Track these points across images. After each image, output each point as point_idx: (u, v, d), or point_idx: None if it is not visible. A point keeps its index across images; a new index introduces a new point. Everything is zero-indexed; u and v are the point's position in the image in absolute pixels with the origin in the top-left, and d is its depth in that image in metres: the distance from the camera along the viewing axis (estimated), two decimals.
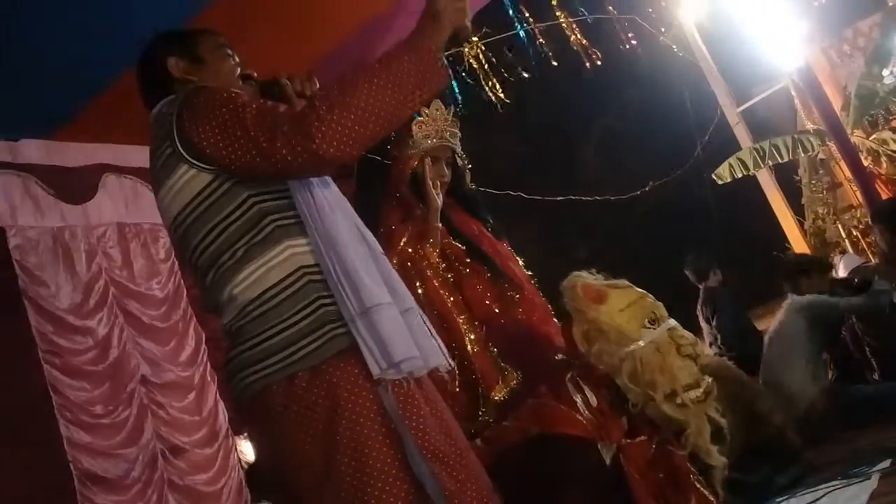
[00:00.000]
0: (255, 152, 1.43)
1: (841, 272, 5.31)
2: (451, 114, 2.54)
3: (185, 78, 1.66)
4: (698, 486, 2.10)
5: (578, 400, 2.12)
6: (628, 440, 2.09)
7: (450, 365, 1.58)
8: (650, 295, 2.15)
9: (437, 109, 2.51)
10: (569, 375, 2.20)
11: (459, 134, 2.56)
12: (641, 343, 2.04)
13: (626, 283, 2.20)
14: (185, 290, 4.49)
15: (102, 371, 3.99)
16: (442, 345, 1.56)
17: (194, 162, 1.48)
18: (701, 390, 2.04)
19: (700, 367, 2.09)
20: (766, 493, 3.41)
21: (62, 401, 3.79)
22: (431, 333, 1.55)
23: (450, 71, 1.48)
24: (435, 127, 2.49)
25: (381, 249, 1.59)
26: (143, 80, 1.72)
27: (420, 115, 2.49)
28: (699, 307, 5.36)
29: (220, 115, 1.45)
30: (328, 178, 1.56)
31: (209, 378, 4.43)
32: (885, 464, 3.12)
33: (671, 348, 2.04)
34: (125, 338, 4.17)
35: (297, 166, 1.42)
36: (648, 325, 2.06)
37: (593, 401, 2.12)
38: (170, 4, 3.00)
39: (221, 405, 4.39)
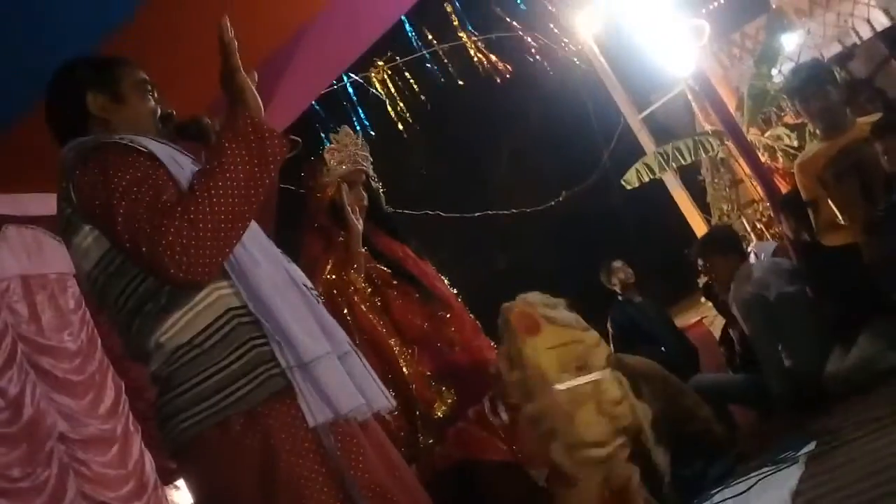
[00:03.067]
0: (122, 248, 1.41)
1: (760, 257, 5.50)
2: (360, 138, 2.55)
3: (102, 116, 1.59)
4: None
5: (502, 415, 2.12)
6: None
7: (392, 405, 1.57)
8: (595, 338, 2.06)
9: (346, 136, 2.53)
10: (489, 394, 2.21)
11: (370, 157, 2.57)
12: (558, 388, 1.95)
13: (573, 318, 2.08)
14: (99, 340, 4.31)
15: (17, 432, 3.79)
16: (382, 385, 1.54)
17: (92, 226, 1.45)
18: (605, 451, 1.93)
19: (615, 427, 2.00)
20: (700, 486, 3.49)
21: None
22: (371, 374, 1.54)
23: (279, 134, 1.46)
24: (347, 153, 2.50)
25: (315, 293, 1.56)
26: (56, 112, 1.63)
27: (331, 143, 2.49)
28: (615, 322, 5.33)
29: (99, 198, 1.41)
30: (253, 224, 1.51)
31: (132, 428, 4.26)
32: (811, 446, 3.24)
33: (588, 401, 1.94)
34: (38, 395, 3.97)
35: (159, 280, 1.41)
36: (574, 371, 1.95)
37: (502, 419, 2.11)
38: (70, 41, 2.84)
39: (148, 456, 4.22)
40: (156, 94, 1.68)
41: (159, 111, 1.67)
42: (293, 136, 1.52)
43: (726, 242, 4.75)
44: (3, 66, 3.03)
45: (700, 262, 4.63)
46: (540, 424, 1.94)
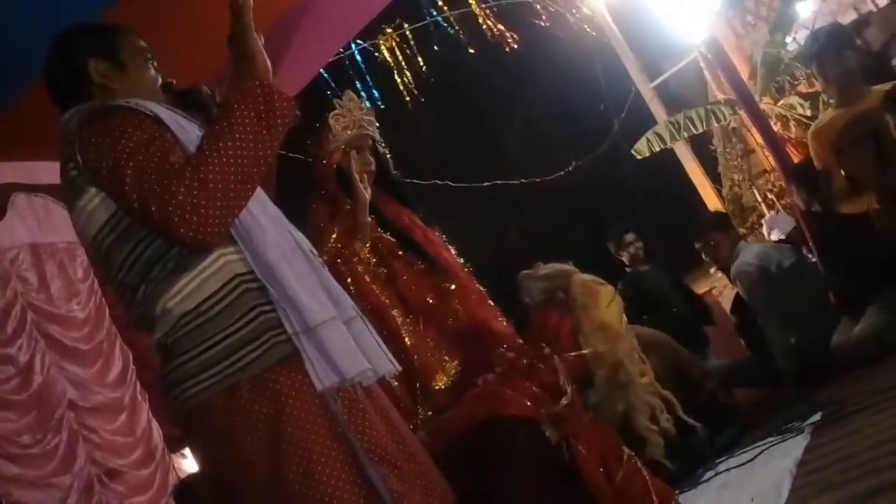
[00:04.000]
0: (130, 210, 1.41)
1: (773, 232, 5.48)
2: (364, 103, 2.52)
3: (104, 84, 1.57)
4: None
5: (530, 385, 2.13)
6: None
7: (397, 370, 1.57)
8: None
9: (350, 100, 2.49)
10: (525, 361, 2.22)
11: (376, 122, 2.54)
12: (624, 336, 2.23)
13: (569, 268, 2.31)
14: (107, 309, 4.34)
15: (27, 399, 3.83)
16: (387, 351, 1.54)
17: (99, 188, 1.44)
18: (648, 376, 2.19)
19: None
20: (705, 455, 3.50)
21: None
22: (377, 340, 1.53)
23: (288, 97, 1.46)
24: (351, 117, 2.47)
25: (320, 260, 1.56)
26: (57, 79, 1.61)
27: (336, 108, 2.46)
28: (624, 295, 5.30)
29: (106, 159, 1.41)
30: (259, 190, 1.50)
31: (140, 397, 4.31)
32: (816, 417, 3.24)
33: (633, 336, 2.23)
34: (48, 363, 4.00)
35: (169, 241, 1.41)
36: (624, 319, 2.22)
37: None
38: (75, 9, 2.81)
39: (155, 424, 4.27)
40: (155, 64, 1.67)
41: (160, 80, 1.66)
42: (295, 108, 1.50)
43: (723, 220, 4.78)
44: (10, 35, 3.02)
45: (698, 244, 4.65)
46: (619, 371, 2.22)
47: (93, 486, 3.90)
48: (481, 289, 2.49)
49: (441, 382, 2.26)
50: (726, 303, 5.56)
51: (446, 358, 2.30)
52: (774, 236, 5.82)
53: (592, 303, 2.17)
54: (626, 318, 2.40)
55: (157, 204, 1.35)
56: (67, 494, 3.76)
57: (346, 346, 1.42)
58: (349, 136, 2.45)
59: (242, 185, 1.39)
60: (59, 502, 3.72)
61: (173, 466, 4.31)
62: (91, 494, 3.86)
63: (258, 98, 1.41)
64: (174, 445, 4.25)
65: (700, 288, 6.36)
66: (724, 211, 5.97)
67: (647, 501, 2.07)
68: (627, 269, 5.39)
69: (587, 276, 2.33)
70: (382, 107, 6.34)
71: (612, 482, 2.04)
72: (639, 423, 2.13)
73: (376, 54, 6.60)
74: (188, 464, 4.32)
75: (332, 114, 2.44)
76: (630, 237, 5.35)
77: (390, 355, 1.55)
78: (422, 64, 6.81)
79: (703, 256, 4.73)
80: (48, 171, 4.03)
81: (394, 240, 2.46)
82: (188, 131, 1.50)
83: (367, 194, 2.42)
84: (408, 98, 6.83)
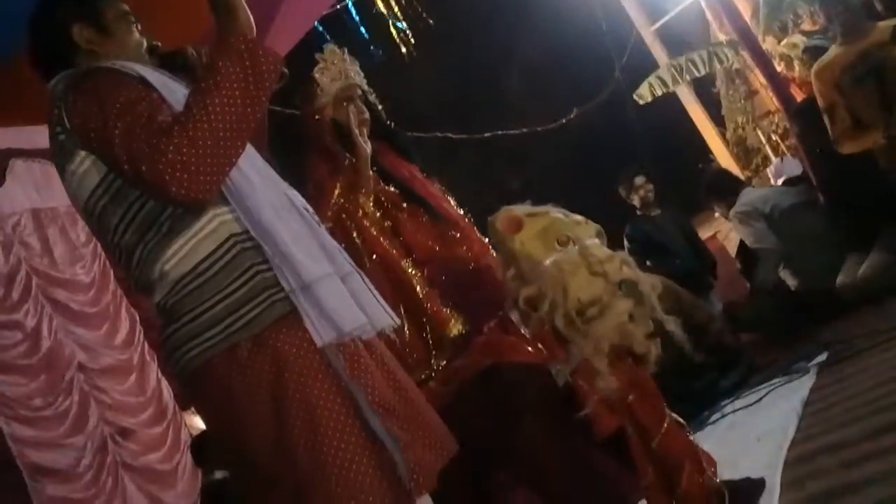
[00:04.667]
0: (120, 171, 1.40)
1: (781, 179, 5.45)
2: (346, 53, 2.49)
3: (89, 49, 1.57)
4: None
5: (516, 322, 2.12)
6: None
7: (396, 323, 1.57)
8: (573, 219, 2.07)
9: (332, 53, 2.47)
10: (507, 301, 2.20)
11: (361, 72, 2.51)
12: (546, 262, 1.94)
13: (547, 208, 2.09)
14: (111, 272, 4.35)
15: (36, 363, 3.87)
16: (385, 304, 1.54)
17: (88, 151, 1.43)
18: (601, 304, 1.91)
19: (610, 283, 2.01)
20: (711, 398, 3.53)
21: None
22: (374, 294, 1.53)
23: (273, 52, 1.43)
24: (336, 69, 2.44)
25: (314, 216, 1.55)
26: (40, 48, 1.60)
27: (319, 63, 2.43)
28: (629, 238, 5.30)
29: (94, 121, 1.39)
30: (249, 148, 1.49)
31: (148, 358, 4.34)
32: (822, 357, 3.25)
33: (579, 268, 1.94)
34: (55, 327, 4.03)
35: (161, 201, 1.41)
36: (557, 247, 1.96)
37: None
38: None
39: (165, 383, 4.31)
40: (139, 27, 1.66)
41: (145, 43, 1.64)
42: (281, 63, 1.48)
43: (720, 185, 4.77)
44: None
45: (709, 200, 4.68)
46: (540, 305, 1.92)
47: (106, 445, 3.95)
48: (483, 238, 2.49)
49: (455, 330, 2.27)
50: (731, 246, 5.56)
51: (457, 307, 2.31)
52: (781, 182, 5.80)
53: (504, 237, 1.99)
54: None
55: (147, 163, 1.34)
56: (82, 454, 3.82)
57: (343, 301, 1.43)
58: (337, 87, 2.43)
59: (232, 142, 1.38)
60: (73, 462, 3.78)
61: (185, 424, 4.37)
62: (105, 453, 3.92)
63: (243, 54, 1.39)
64: (185, 403, 4.30)
65: (705, 232, 6.34)
66: (722, 171, 5.91)
67: (693, 465, 1.96)
68: (638, 213, 5.36)
69: (517, 212, 2.08)
70: (380, 57, 6.26)
71: (648, 445, 1.93)
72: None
73: (372, 5, 6.49)
74: (200, 421, 4.37)
75: (316, 68, 2.42)
76: (640, 180, 5.31)
77: (388, 308, 1.55)
78: (419, 13, 6.69)
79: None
80: (45, 136, 4.00)
81: (396, 192, 2.44)
82: (175, 91, 1.48)
83: (368, 147, 2.40)
84: (405, 49, 6.73)
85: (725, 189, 4.65)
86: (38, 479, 3.64)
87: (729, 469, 2.26)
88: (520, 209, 2.05)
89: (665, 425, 1.96)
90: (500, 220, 2.02)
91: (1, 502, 3.60)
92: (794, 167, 5.53)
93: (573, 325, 1.89)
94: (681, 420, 2.06)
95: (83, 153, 1.44)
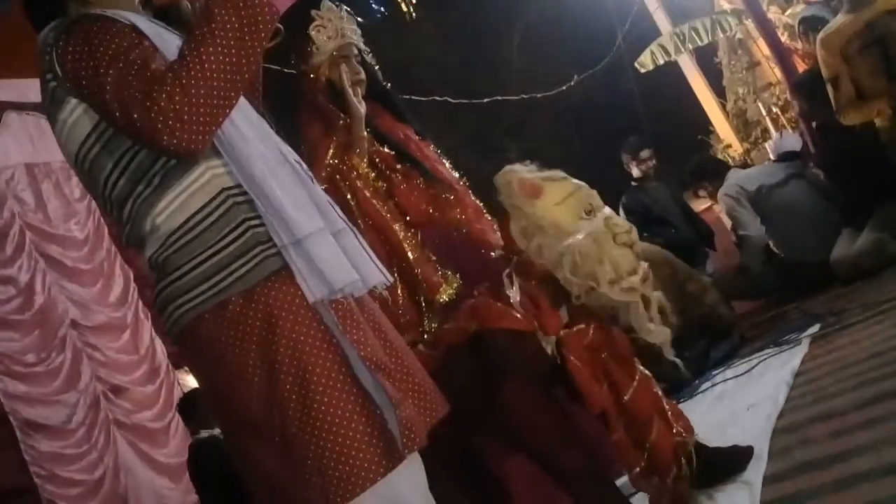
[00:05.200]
0: (111, 119, 1.37)
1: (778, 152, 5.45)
2: (343, 10, 2.44)
3: None
4: (638, 363, 2.16)
5: (512, 295, 2.12)
6: (567, 330, 2.11)
7: (388, 281, 1.55)
8: (585, 185, 2.11)
9: (329, 10, 2.41)
10: (506, 272, 2.20)
11: (358, 30, 2.46)
12: (579, 236, 1.99)
13: (561, 174, 2.13)
14: (105, 229, 4.33)
15: (30, 319, 3.87)
16: (378, 262, 1.53)
17: (79, 98, 1.40)
18: (639, 276, 2.01)
19: (635, 253, 2.08)
20: (702, 367, 3.55)
21: None
22: (367, 251, 1.51)
23: (269, 3, 1.38)
24: (332, 27, 2.39)
25: (308, 171, 1.52)
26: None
27: (315, 20, 2.38)
28: (626, 208, 5.31)
29: (85, 68, 1.36)
30: (242, 101, 1.46)
31: (142, 316, 4.34)
32: (815, 329, 3.26)
33: (608, 238, 2.00)
34: (49, 283, 4.02)
35: (153, 150, 1.38)
36: (584, 217, 2.02)
37: (517, 296, 2.12)
38: None
39: (158, 342, 4.31)
40: None
41: None
42: (277, 14, 1.45)
43: (708, 169, 4.80)
44: None
45: (689, 191, 4.73)
46: (578, 274, 1.99)
47: (99, 402, 3.97)
48: (478, 202, 2.47)
49: (445, 295, 2.26)
50: (727, 218, 5.56)
51: (448, 271, 2.30)
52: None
53: (523, 201, 2.03)
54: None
55: (140, 111, 1.31)
56: (74, 411, 3.83)
57: (335, 257, 1.40)
58: (333, 45, 2.38)
59: (226, 92, 1.35)
60: (66, 418, 3.80)
61: (178, 382, 4.38)
62: (97, 410, 3.94)
63: (239, 3, 1.36)
64: (179, 362, 4.31)
65: (700, 204, 6.33)
66: (706, 158, 5.92)
67: (661, 421, 2.05)
68: (633, 184, 5.36)
69: (529, 175, 2.09)
70: (382, 16, 6.17)
71: (619, 400, 2.03)
72: (632, 321, 2.05)
73: None
74: (192, 380, 4.39)
75: (312, 25, 2.37)
76: (646, 154, 5.35)
77: (381, 266, 1.53)
78: None
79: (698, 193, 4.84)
80: (38, 89, 3.95)
81: (391, 153, 2.42)
82: (168, 41, 1.45)
83: (362, 107, 2.36)
84: (406, 9, 6.64)
85: (711, 172, 4.72)
86: (30, 434, 3.66)
87: (718, 437, 2.28)
88: (530, 172, 2.05)
89: (635, 381, 2.04)
90: (517, 182, 2.02)
91: None
92: (794, 142, 5.52)
93: (625, 289, 1.99)
94: (650, 374, 2.14)
95: (74, 101, 1.41)
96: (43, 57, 1.44)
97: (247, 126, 1.46)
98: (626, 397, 2.02)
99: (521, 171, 2.07)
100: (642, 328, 2.01)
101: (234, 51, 1.34)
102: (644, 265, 2.04)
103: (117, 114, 1.34)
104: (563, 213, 2.00)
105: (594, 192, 2.08)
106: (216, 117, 1.35)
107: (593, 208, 2.04)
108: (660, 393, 2.13)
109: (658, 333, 2.02)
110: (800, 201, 4.20)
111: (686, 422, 2.15)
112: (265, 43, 1.41)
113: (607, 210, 2.07)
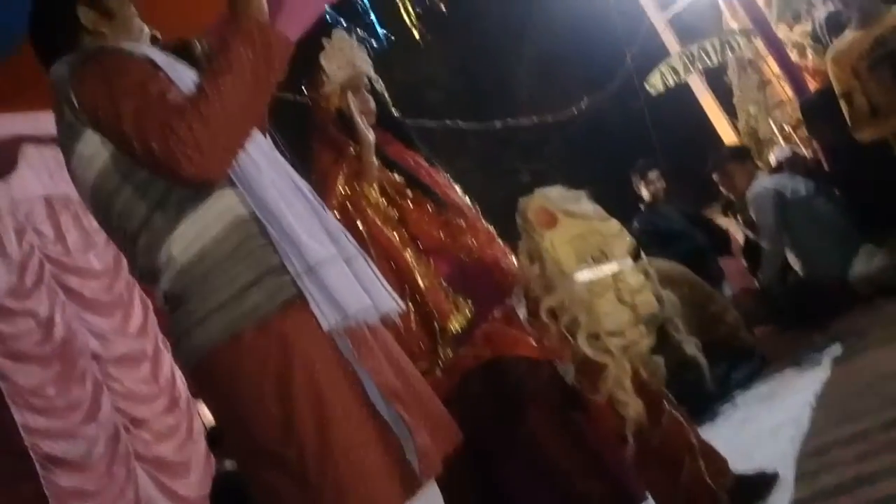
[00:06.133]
0: (129, 149, 1.38)
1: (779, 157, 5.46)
2: (354, 40, 2.47)
3: (95, 30, 1.56)
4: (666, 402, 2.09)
5: (521, 313, 2.10)
6: None
7: (401, 308, 1.55)
8: (613, 228, 2.00)
9: (340, 39, 2.45)
10: (514, 290, 2.19)
11: (369, 59, 2.49)
12: (577, 278, 1.91)
13: (593, 209, 2.04)
14: (124, 260, 4.34)
15: (49, 352, 3.87)
16: (390, 289, 1.53)
17: (96, 130, 1.42)
18: (623, 341, 1.89)
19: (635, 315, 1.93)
20: (724, 389, 3.51)
21: (11, 387, 3.67)
22: (378, 278, 1.52)
23: (285, 37, 1.43)
24: (344, 56, 2.42)
25: (319, 199, 1.54)
26: (42, 31, 1.60)
27: (326, 49, 2.42)
28: (639, 230, 5.30)
29: (103, 99, 1.38)
30: (254, 131, 1.48)
31: (161, 346, 4.34)
32: (836, 349, 3.22)
33: (606, 291, 1.91)
34: (69, 315, 4.04)
35: (171, 180, 1.40)
36: (590, 262, 1.92)
37: (524, 312, 2.09)
38: None
39: (178, 372, 4.30)
40: (139, 15, 1.65)
41: (146, 29, 1.64)
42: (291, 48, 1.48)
43: (740, 152, 4.77)
44: None
45: (716, 175, 4.65)
46: (561, 316, 1.91)
47: (119, 434, 3.96)
48: (489, 227, 2.48)
49: (457, 322, 2.26)
50: (739, 233, 5.55)
51: (461, 297, 2.30)
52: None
53: (533, 229, 1.94)
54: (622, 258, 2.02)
55: (159, 141, 1.33)
56: (94, 444, 3.82)
57: (347, 283, 1.41)
58: (344, 75, 2.41)
59: (243, 123, 1.38)
60: (86, 451, 3.78)
61: (199, 413, 4.37)
62: (117, 442, 3.93)
63: (255, 38, 1.39)
64: (197, 392, 4.31)
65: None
66: (742, 144, 5.96)
67: (690, 461, 1.96)
68: (644, 205, 5.40)
69: (554, 203, 1.99)
70: (391, 44, 6.22)
71: (647, 442, 1.92)
72: (607, 386, 1.86)
73: None
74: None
75: (322, 54, 2.40)
76: (654, 175, 5.39)
77: (393, 293, 1.54)
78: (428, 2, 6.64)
79: (720, 187, 4.74)
80: (54, 121, 4.00)
81: (401, 180, 2.44)
82: (181, 73, 1.47)
83: (371, 135, 2.39)
84: (416, 36, 6.70)
85: (743, 154, 4.65)
86: (50, 468, 3.65)
87: (742, 462, 2.25)
88: (556, 200, 2.00)
89: (664, 422, 1.95)
90: (533, 209, 1.98)
91: (14, 492, 3.62)
92: (785, 151, 5.56)
93: (597, 344, 1.88)
94: (681, 416, 2.04)
95: (91, 132, 1.42)
96: (58, 90, 1.46)
97: (259, 155, 1.48)
98: (653, 440, 1.92)
99: (550, 198, 2.01)
100: (617, 398, 1.89)
101: (250, 84, 1.37)
102: (639, 329, 1.92)
103: (136, 144, 1.36)
104: (568, 252, 1.94)
105: (618, 241, 1.98)
106: (234, 147, 1.38)
107: (605, 256, 1.96)
108: (691, 434, 2.03)
109: (634, 406, 1.87)
110: (824, 216, 4.16)
111: (721, 463, 2.07)
112: (280, 76, 1.43)
113: (626, 263, 1.96)
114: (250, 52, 1.37)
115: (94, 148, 1.43)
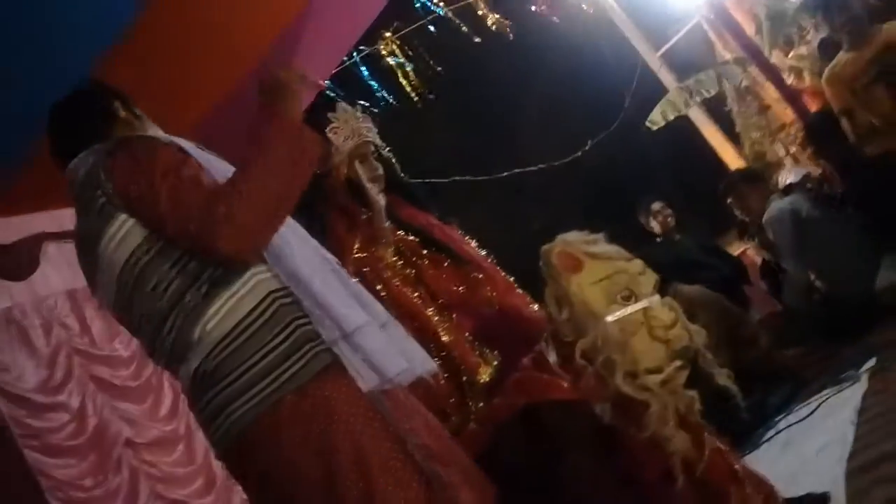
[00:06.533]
0: (164, 230, 1.45)
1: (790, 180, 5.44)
2: (359, 111, 2.55)
3: (128, 121, 1.66)
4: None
5: (552, 358, 2.10)
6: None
7: (434, 368, 1.58)
8: (638, 268, 2.01)
9: (344, 111, 2.53)
10: (544, 336, 2.19)
11: (374, 128, 2.56)
12: (608, 319, 1.91)
13: (615, 250, 2.05)
14: None
15: (84, 443, 3.90)
16: (423, 350, 1.56)
17: (129, 213, 1.47)
18: (661, 376, 1.88)
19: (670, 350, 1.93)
20: (761, 415, 3.46)
21: (50, 482, 3.69)
22: (412, 341, 1.57)
23: (316, 135, 1.56)
24: (349, 127, 2.50)
25: (346, 272, 1.60)
26: (73, 121, 1.67)
27: (332, 122, 2.49)
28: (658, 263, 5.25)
29: (138, 183, 1.45)
30: None
31: (194, 427, 4.35)
32: (871, 362, 3.18)
33: (640, 329, 1.91)
34: (100, 404, 4.07)
35: (206, 256, 1.45)
36: (620, 301, 1.93)
37: (554, 356, 2.08)
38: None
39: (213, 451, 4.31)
40: None
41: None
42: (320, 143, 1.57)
43: (750, 174, 4.77)
44: (30, 79, 3.08)
45: (729, 199, 4.64)
46: (595, 358, 1.91)
47: None
48: (508, 277, 2.50)
49: (485, 375, 2.26)
50: (756, 256, 5.51)
51: (486, 349, 2.30)
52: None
53: (559, 274, 1.95)
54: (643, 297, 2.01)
55: (197, 222, 1.38)
56: None
57: (384, 347, 1.45)
58: (350, 145, 2.49)
59: (279, 209, 1.45)
60: None
61: (236, 490, 4.35)
62: None
63: (290, 134, 1.48)
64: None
65: (733, 251, 6.30)
66: (749, 168, 5.98)
67: (737, 490, 1.92)
68: (658, 240, 5.34)
69: (577, 247, 2.00)
70: (394, 107, 6.36)
71: (692, 475, 1.88)
72: (651, 423, 1.83)
73: (380, 59, 6.62)
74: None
75: (328, 128, 2.47)
76: (658, 206, 5.30)
77: (426, 354, 1.56)
78: (426, 63, 6.80)
79: (735, 210, 4.73)
80: (73, 217, 4.09)
81: (416, 240, 2.47)
82: (209, 160, 1.54)
83: (382, 200, 2.44)
84: (416, 98, 6.84)
85: (756, 176, 4.64)
86: None
87: (790, 486, 2.21)
88: (578, 244, 2.01)
89: (707, 453, 1.92)
90: (557, 254, 1.99)
91: None
92: (797, 172, 5.56)
93: (635, 382, 1.87)
94: (723, 446, 2.01)
95: (124, 216, 1.47)
96: (91, 174, 1.51)
97: (288, 231, 1.52)
98: (697, 473, 1.89)
99: (572, 242, 2.02)
100: (661, 435, 1.87)
101: (286, 173, 1.45)
102: (675, 365, 1.91)
103: (171, 224, 1.41)
104: (596, 294, 1.95)
105: (644, 279, 1.99)
106: (271, 228, 1.44)
107: (633, 294, 1.96)
108: (736, 463, 2.01)
109: (676, 440, 1.86)
110: (843, 231, 4.13)
111: (769, 489, 2.02)
112: (314, 168, 1.53)
113: (654, 300, 1.97)
114: (286, 145, 1.46)
115: (127, 228, 1.47)
